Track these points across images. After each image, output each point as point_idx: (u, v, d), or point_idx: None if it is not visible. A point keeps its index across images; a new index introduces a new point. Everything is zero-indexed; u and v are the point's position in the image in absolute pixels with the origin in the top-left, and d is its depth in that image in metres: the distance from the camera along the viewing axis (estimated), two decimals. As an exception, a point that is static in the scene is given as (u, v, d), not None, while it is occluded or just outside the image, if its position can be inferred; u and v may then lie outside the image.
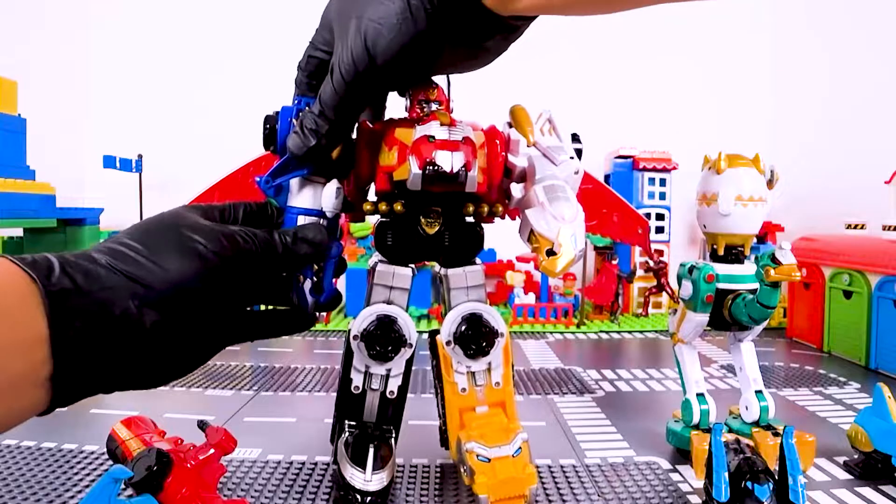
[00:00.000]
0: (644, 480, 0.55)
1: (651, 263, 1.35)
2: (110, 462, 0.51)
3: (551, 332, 1.22)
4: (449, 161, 0.42)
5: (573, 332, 1.23)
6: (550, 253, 0.41)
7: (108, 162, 1.26)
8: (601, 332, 1.24)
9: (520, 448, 0.47)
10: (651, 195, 1.41)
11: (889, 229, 1.01)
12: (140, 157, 1.34)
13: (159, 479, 0.41)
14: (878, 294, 0.95)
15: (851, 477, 0.57)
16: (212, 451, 0.44)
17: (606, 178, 1.46)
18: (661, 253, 1.39)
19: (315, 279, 0.44)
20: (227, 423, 0.68)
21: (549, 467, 0.58)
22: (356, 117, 0.42)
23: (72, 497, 0.50)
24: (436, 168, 0.42)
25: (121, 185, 1.34)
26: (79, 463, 0.57)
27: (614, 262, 1.31)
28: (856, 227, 1.10)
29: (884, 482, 0.55)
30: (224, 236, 0.36)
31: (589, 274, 1.37)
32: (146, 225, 0.36)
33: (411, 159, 0.43)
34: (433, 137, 0.43)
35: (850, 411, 0.75)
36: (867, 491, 0.54)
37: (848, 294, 1.02)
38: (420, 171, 0.42)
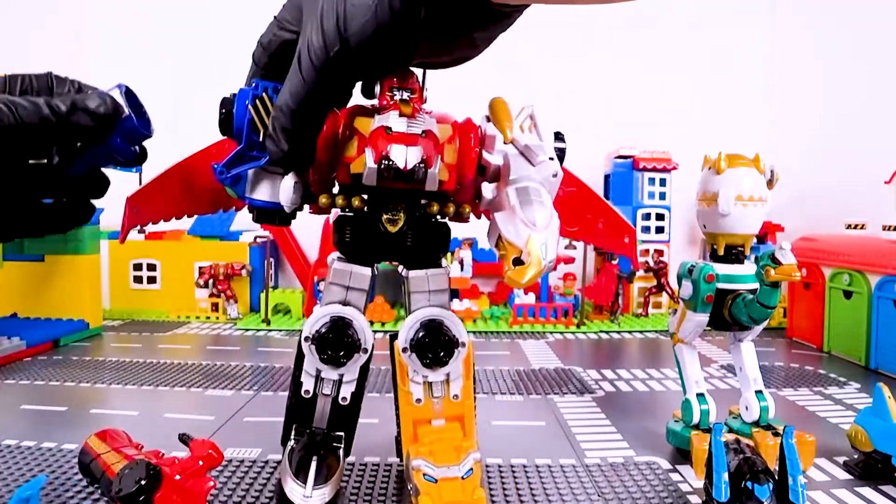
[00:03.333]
0: (644, 480, 0.55)
1: (651, 263, 1.35)
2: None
3: (551, 332, 1.22)
4: (403, 156, 0.39)
5: (573, 332, 1.23)
6: (518, 262, 0.37)
7: (108, 162, 1.25)
8: (601, 332, 1.24)
9: (471, 469, 0.44)
10: (651, 195, 1.41)
11: (889, 229, 1.01)
12: (140, 157, 1.34)
13: (149, 493, 0.40)
14: (878, 294, 0.95)
15: (851, 477, 0.57)
16: (200, 463, 0.43)
17: (606, 178, 1.46)
18: (661, 253, 1.39)
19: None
20: (227, 423, 0.68)
21: (549, 467, 0.58)
22: (327, 111, 0.39)
23: (71, 497, 0.50)
24: (390, 163, 0.38)
25: (121, 185, 1.34)
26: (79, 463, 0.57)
27: (614, 262, 1.31)
28: (856, 227, 1.10)
29: (884, 482, 0.55)
30: None
31: (589, 274, 1.37)
32: None
33: (367, 152, 0.39)
34: (390, 129, 0.40)
35: (850, 411, 0.75)
36: (867, 491, 0.54)
37: (848, 294, 1.02)
38: (375, 166, 0.39)
